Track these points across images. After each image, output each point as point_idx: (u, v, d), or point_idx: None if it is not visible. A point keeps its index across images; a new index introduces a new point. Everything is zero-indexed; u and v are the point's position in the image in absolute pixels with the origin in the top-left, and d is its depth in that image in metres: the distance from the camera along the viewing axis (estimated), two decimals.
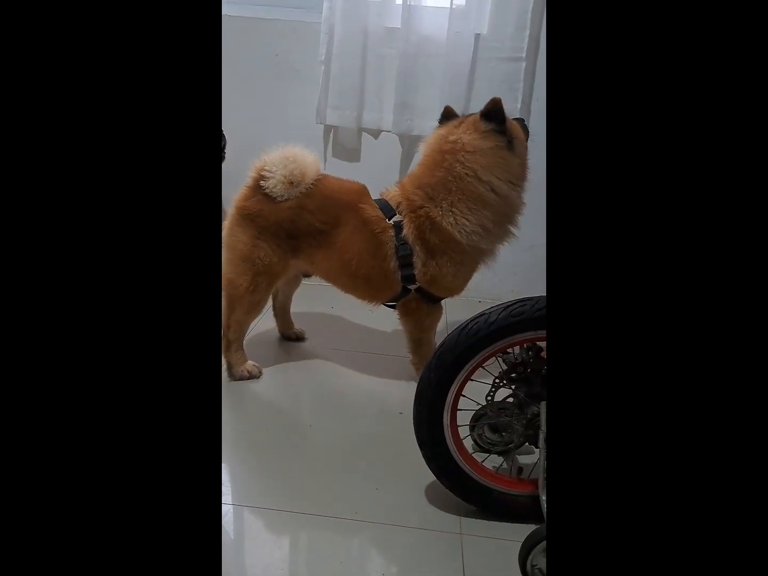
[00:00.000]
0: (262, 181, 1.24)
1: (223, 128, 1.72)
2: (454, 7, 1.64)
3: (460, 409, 0.97)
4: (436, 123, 1.75)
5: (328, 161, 1.94)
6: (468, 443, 1.03)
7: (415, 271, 1.24)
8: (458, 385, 0.94)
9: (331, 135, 1.91)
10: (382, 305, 1.38)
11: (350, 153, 1.93)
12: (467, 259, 1.26)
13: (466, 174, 1.19)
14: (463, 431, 1.00)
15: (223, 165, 1.71)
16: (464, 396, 0.97)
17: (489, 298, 1.96)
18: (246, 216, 1.27)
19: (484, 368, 0.96)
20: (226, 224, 1.31)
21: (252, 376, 1.39)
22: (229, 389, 1.36)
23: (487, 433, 1.09)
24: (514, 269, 1.97)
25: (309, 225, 1.26)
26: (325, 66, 1.74)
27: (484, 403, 1.03)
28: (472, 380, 0.96)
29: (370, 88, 1.78)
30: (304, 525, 1.01)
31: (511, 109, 1.71)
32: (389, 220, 1.24)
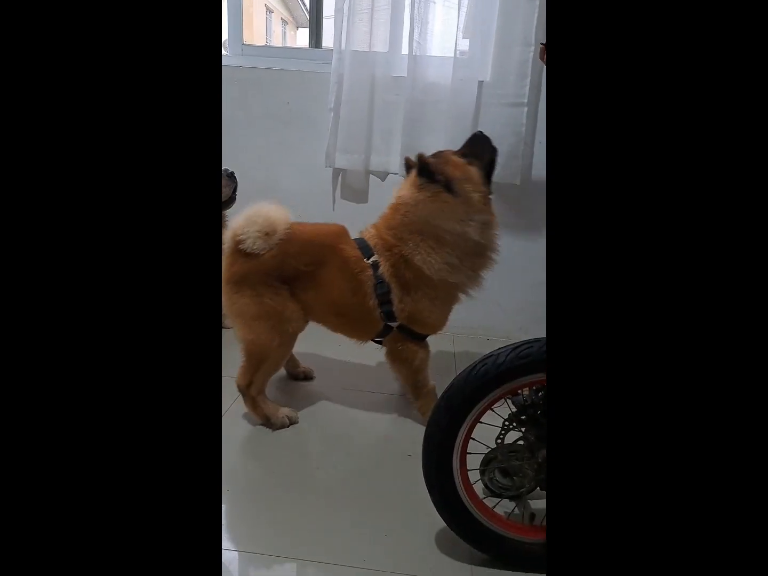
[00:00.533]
0: (240, 246, 1.28)
1: (234, 172, 1.78)
2: (458, 56, 1.71)
3: (470, 453, 0.96)
4: None
5: (337, 202, 1.99)
6: (478, 488, 1.01)
7: (394, 308, 1.27)
8: (467, 427, 0.94)
9: (340, 178, 1.96)
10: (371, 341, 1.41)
11: (358, 194, 1.97)
12: (441, 293, 1.28)
13: (418, 221, 1.27)
14: (474, 475, 0.99)
15: (233, 207, 1.77)
16: (474, 439, 0.96)
17: (497, 336, 1.96)
18: (237, 281, 1.30)
19: (493, 410, 0.95)
20: (223, 299, 1.32)
21: (292, 422, 1.38)
22: (231, 430, 1.35)
23: (498, 477, 1.06)
24: (522, 306, 1.97)
25: (294, 269, 1.30)
26: (334, 113, 1.80)
27: (494, 446, 1.02)
28: (481, 423, 0.95)
29: (378, 133, 1.84)
30: (310, 572, 0.98)
31: (515, 151, 1.76)
32: (368, 259, 1.29)
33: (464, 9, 1.70)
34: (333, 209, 2.00)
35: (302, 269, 1.30)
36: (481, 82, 1.76)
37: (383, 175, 1.93)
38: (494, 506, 0.99)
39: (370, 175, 1.93)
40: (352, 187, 1.96)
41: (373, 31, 1.74)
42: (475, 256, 1.28)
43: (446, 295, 1.30)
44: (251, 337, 1.32)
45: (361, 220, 2.05)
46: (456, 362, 1.77)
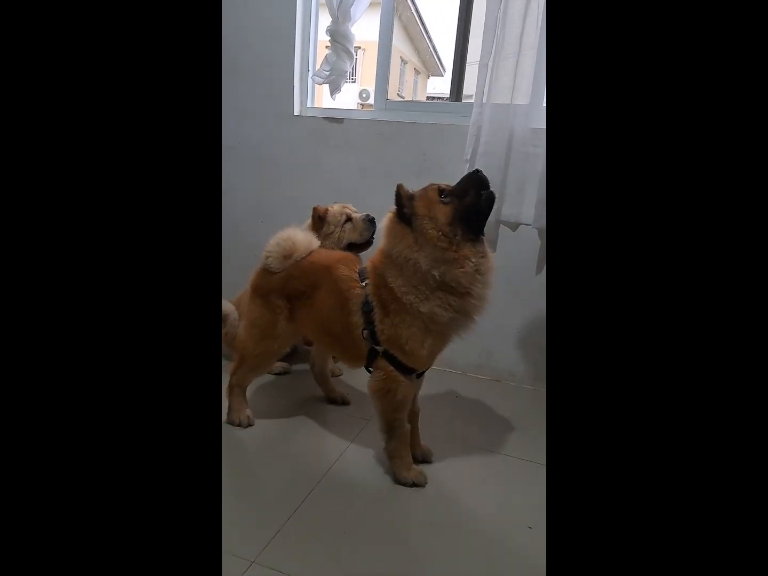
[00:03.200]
0: (264, 261, 1.49)
1: (375, 216, 1.87)
2: None
3: None
4: None
5: None
6: None
7: (376, 329, 1.30)
8: None
9: None
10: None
11: (487, 243, 1.95)
12: (418, 322, 1.26)
13: (386, 247, 1.33)
14: None
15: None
16: None
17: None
18: (255, 290, 1.54)
19: None
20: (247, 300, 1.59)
21: (240, 425, 1.56)
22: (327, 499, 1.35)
23: None
24: None
25: (295, 289, 1.46)
26: (469, 164, 1.82)
27: None
28: None
29: (512, 184, 1.81)
30: None
31: None
32: (362, 282, 1.35)
33: None
34: None
35: (302, 289, 1.45)
36: None
37: (514, 226, 1.88)
38: None
39: (501, 225, 1.90)
40: None
41: (516, 84, 1.74)
42: (445, 293, 1.25)
43: (425, 327, 1.27)
44: (241, 338, 1.58)
45: None
46: None
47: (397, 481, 1.33)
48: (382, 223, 1.38)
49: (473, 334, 2.05)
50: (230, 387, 1.59)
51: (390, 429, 1.32)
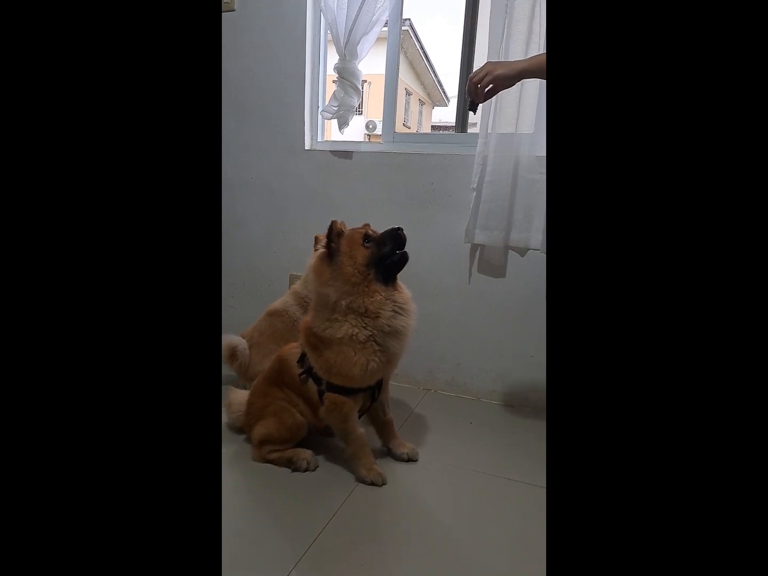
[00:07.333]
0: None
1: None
2: None
3: None
4: None
5: (473, 276, 2.01)
6: None
7: (314, 370, 1.42)
8: None
9: (478, 252, 1.99)
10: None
11: (496, 269, 1.97)
12: (341, 347, 1.36)
13: (312, 286, 1.48)
14: None
15: None
16: None
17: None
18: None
19: None
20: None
21: (308, 469, 1.47)
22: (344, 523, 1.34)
23: None
24: None
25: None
26: (476, 192, 1.86)
27: None
28: None
29: (519, 210, 1.84)
30: None
31: None
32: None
33: None
34: (468, 282, 2.02)
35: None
36: None
37: (523, 251, 1.91)
38: None
39: (509, 251, 1.93)
40: (490, 262, 1.97)
41: (520, 114, 1.78)
42: (358, 316, 1.35)
43: (351, 348, 1.36)
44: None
45: (493, 293, 2.03)
46: None
47: (358, 479, 1.43)
48: (311, 261, 1.47)
49: (486, 359, 2.06)
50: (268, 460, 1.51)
51: (345, 437, 1.45)
